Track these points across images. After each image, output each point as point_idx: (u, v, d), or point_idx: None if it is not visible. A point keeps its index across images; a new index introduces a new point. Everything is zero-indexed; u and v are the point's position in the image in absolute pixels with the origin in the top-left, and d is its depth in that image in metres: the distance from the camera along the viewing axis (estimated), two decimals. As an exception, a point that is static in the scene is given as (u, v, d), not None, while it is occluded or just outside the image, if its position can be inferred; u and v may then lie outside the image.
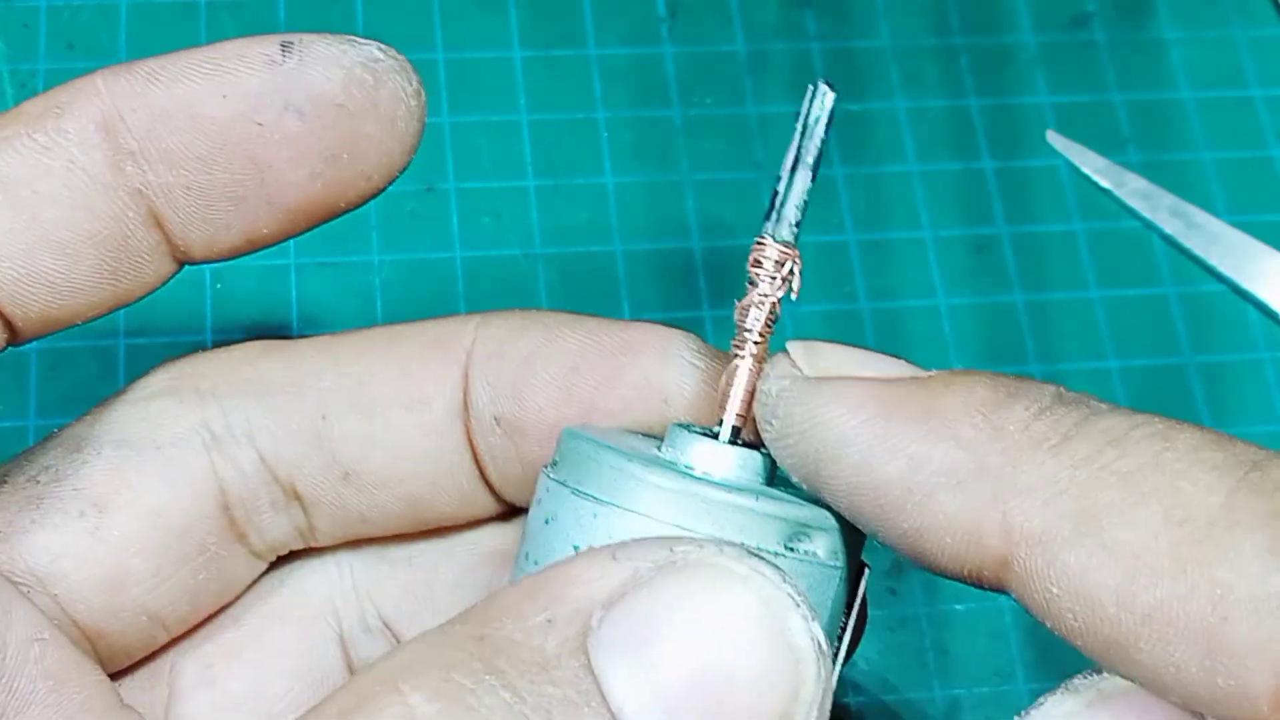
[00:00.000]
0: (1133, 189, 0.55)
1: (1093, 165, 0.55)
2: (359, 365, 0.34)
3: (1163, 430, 0.25)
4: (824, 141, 0.30)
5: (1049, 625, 0.26)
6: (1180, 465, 0.24)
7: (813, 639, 0.25)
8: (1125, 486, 0.25)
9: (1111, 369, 0.52)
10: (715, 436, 0.30)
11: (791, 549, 0.27)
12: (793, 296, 0.30)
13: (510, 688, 0.24)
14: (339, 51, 0.31)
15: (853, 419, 0.27)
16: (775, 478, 0.30)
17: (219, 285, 0.50)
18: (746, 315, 0.30)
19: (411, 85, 0.32)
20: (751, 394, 0.30)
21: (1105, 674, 0.26)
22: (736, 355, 0.30)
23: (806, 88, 0.30)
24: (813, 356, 0.29)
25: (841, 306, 0.52)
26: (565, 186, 0.53)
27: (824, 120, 0.29)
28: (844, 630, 0.29)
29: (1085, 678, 0.26)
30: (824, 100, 0.29)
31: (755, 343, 0.30)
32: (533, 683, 0.24)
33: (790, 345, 0.29)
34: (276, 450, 0.34)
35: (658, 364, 0.33)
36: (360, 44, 0.31)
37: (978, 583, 0.27)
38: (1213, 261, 0.54)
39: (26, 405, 0.48)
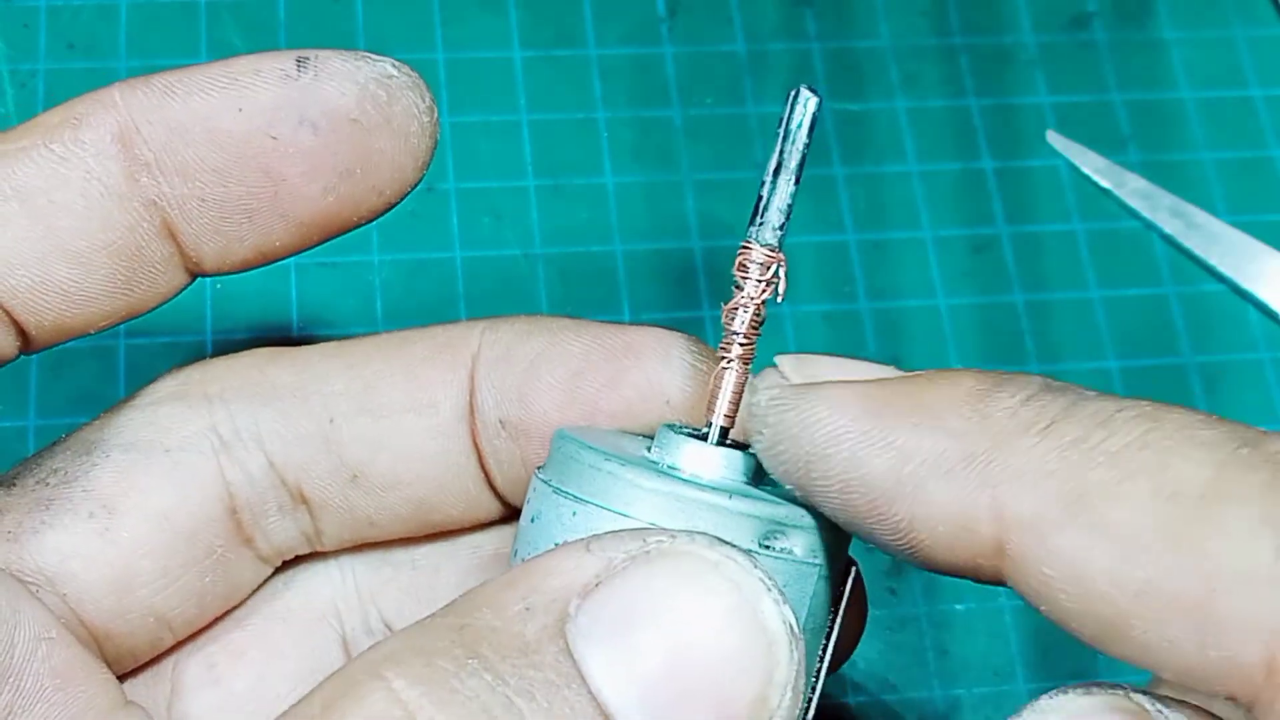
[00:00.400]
0: (1133, 189, 0.55)
1: (1093, 165, 0.55)
2: (367, 369, 0.35)
3: (1151, 411, 0.25)
4: (807, 146, 0.29)
5: (1044, 610, 0.26)
6: (1169, 443, 0.25)
7: (785, 622, 0.26)
8: (1114, 465, 0.25)
9: (1111, 369, 0.52)
10: (704, 438, 0.30)
11: (767, 546, 0.28)
12: (778, 299, 0.30)
13: (492, 670, 0.25)
14: (354, 67, 0.31)
15: (841, 417, 0.27)
16: (762, 479, 0.30)
17: (219, 285, 0.50)
18: (733, 318, 0.30)
19: (424, 102, 0.32)
20: (739, 395, 0.30)
21: (1070, 693, 0.26)
22: (724, 357, 0.30)
23: (789, 92, 0.30)
24: (801, 365, 0.29)
25: (841, 306, 0.52)
26: (565, 186, 0.53)
27: (807, 125, 0.29)
28: (831, 627, 0.29)
29: (1051, 699, 0.26)
30: (806, 105, 0.29)
31: (741, 345, 0.30)
32: (514, 666, 0.25)
33: (779, 358, 0.29)
34: (285, 454, 0.34)
35: (659, 367, 0.33)
36: (375, 60, 0.32)
37: (974, 575, 0.27)
38: (1213, 261, 0.54)
39: (26, 405, 0.48)
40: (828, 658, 0.30)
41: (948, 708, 0.47)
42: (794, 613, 0.26)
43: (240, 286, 0.50)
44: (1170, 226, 0.54)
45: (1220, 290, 0.54)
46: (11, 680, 0.30)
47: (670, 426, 0.30)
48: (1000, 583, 0.27)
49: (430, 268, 0.51)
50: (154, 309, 0.33)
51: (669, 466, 0.29)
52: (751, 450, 0.30)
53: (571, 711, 0.25)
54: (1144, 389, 0.52)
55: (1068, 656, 0.48)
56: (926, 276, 0.53)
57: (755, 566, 0.26)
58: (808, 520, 0.28)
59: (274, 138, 0.31)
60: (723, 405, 0.30)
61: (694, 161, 0.54)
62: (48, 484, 0.33)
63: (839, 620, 0.30)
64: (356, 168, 0.32)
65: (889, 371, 0.29)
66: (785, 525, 0.28)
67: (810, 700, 0.29)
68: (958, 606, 0.48)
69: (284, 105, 0.31)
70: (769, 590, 0.26)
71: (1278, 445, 0.24)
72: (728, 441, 0.30)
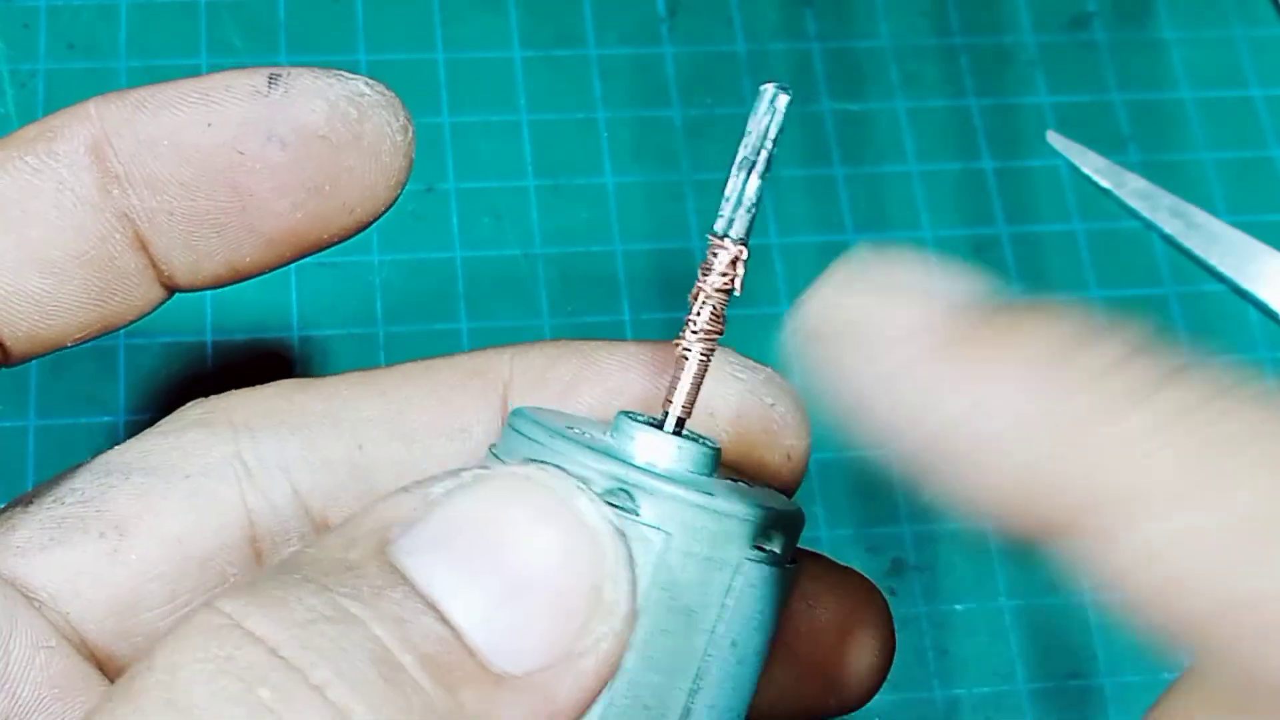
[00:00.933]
0: (1133, 189, 0.55)
1: (1093, 165, 0.55)
2: (397, 396, 0.35)
3: (1272, 390, 0.22)
4: (775, 143, 0.29)
5: (1114, 598, 0.23)
6: None
7: (604, 518, 0.26)
8: (1226, 449, 0.21)
9: (1111, 369, 0.52)
10: (661, 426, 0.30)
11: (610, 504, 0.27)
12: (736, 293, 0.30)
13: (316, 582, 0.25)
14: (325, 85, 0.31)
15: (888, 369, 0.23)
16: (719, 472, 0.30)
17: (219, 285, 0.50)
18: (693, 308, 0.30)
19: (398, 120, 0.32)
20: (697, 385, 0.30)
21: None
22: (681, 347, 0.30)
23: (759, 89, 0.29)
24: (846, 293, 0.25)
25: (841, 306, 0.52)
26: (565, 186, 0.53)
27: (775, 123, 0.29)
28: (729, 621, 0.28)
29: None
30: (775, 103, 0.29)
31: (696, 334, 0.30)
32: (339, 579, 0.25)
33: (822, 283, 0.25)
34: (311, 481, 0.34)
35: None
36: (347, 79, 0.32)
37: (1037, 542, 0.24)
38: (1213, 261, 0.54)
39: (26, 405, 0.48)
40: (727, 651, 0.28)
41: (948, 708, 0.47)
42: (631, 564, 0.26)
43: (240, 287, 0.50)
44: (1170, 226, 0.54)
45: (1220, 290, 0.54)
46: (8, 688, 0.30)
47: (626, 414, 0.30)
48: (1061, 550, 0.23)
49: (430, 268, 0.51)
50: (131, 323, 0.33)
51: (606, 447, 0.29)
52: (709, 442, 0.29)
53: (400, 609, 0.25)
54: (1144, 389, 0.52)
55: (1067, 657, 0.48)
56: (926, 276, 0.53)
57: (567, 472, 0.26)
58: (666, 491, 0.27)
59: (241, 153, 0.31)
60: (680, 396, 0.30)
61: (694, 161, 0.54)
62: (63, 503, 0.33)
63: (731, 612, 0.28)
64: (325, 184, 0.32)
65: (955, 294, 0.24)
66: (632, 487, 0.27)
67: (693, 694, 0.28)
68: (958, 606, 0.48)
69: (252, 121, 0.31)
70: (583, 490, 0.26)
71: None
72: (684, 432, 0.30)
